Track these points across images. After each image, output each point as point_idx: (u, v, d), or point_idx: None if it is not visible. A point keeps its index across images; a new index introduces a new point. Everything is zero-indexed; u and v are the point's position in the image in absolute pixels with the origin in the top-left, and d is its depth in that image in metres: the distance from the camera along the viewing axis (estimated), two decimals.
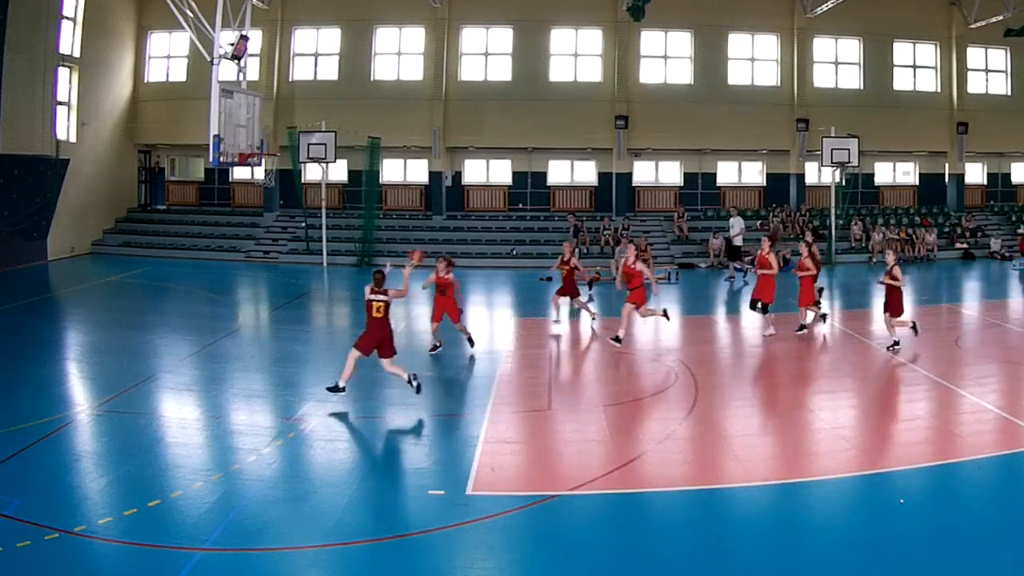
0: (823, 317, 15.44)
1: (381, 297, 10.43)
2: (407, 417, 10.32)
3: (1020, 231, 28.40)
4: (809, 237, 18.84)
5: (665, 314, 14.75)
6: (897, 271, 13.54)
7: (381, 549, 6.70)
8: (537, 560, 6.61)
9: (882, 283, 13.73)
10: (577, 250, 20.11)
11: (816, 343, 14.61)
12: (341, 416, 10.29)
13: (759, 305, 14.70)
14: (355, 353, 10.42)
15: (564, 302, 15.95)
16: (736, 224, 24.43)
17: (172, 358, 13.15)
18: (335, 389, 10.48)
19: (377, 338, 10.48)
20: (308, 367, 12.81)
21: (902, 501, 7.52)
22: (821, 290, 16.95)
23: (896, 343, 13.32)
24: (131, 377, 11.69)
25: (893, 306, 13.54)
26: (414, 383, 10.50)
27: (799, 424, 10.03)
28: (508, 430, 9.77)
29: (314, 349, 14.61)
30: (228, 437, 9.52)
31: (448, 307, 13.21)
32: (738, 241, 24.13)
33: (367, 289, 10.51)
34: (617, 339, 13.69)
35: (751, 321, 15.83)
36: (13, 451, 8.50)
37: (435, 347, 13.39)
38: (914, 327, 13.77)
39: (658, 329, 15.40)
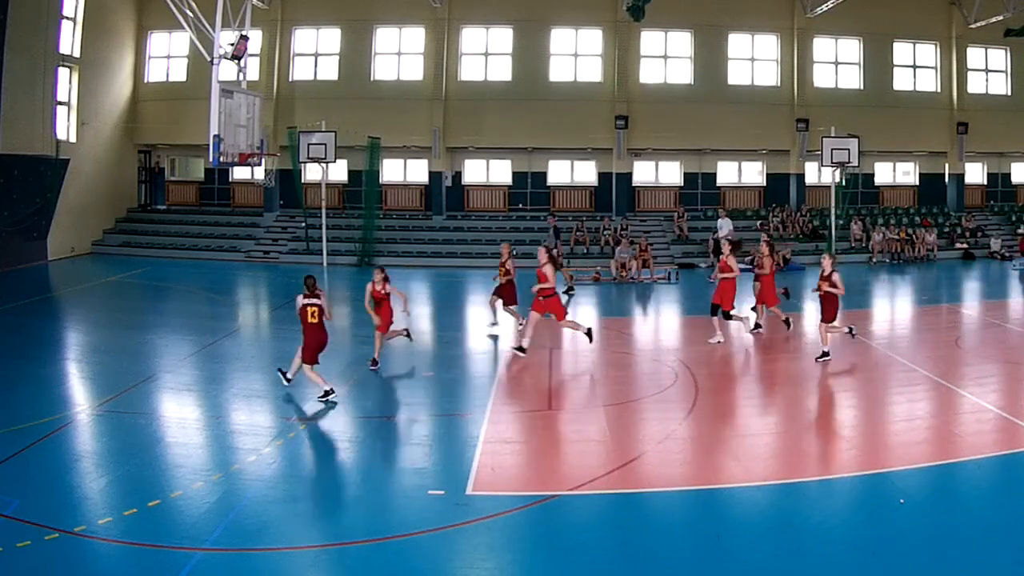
0: (757, 326, 14.98)
1: (315, 301, 10.56)
2: (407, 417, 10.33)
3: (1020, 231, 28.39)
4: (765, 236, 18.47)
5: (589, 334, 13.57)
6: (837, 277, 12.68)
7: (381, 549, 6.69)
8: (537, 560, 6.61)
9: (817, 291, 12.89)
10: (558, 251, 20.02)
11: (811, 343, 14.56)
12: (341, 416, 10.30)
13: (720, 311, 13.99)
14: (307, 367, 10.58)
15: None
16: (724, 225, 24.36)
17: (172, 358, 13.15)
18: (326, 395, 10.50)
19: (317, 344, 10.61)
20: None
21: (902, 501, 7.51)
22: (786, 292, 16.52)
23: (826, 354, 12.64)
24: (131, 377, 11.70)
25: (828, 312, 12.78)
26: (329, 397, 10.50)
27: (799, 424, 10.03)
28: (508, 430, 9.77)
29: None
30: (228, 437, 9.52)
31: (383, 317, 12.48)
32: None
33: (299, 297, 10.63)
34: (520, 349, 12.93)
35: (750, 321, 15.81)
36: (13, 451, 8.50)
37: (405, 332, 13.37)
38: (850, 331, 13.37)
39: (658, 329, 15.39)
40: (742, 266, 15.20)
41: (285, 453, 8.82)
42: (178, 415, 10.34)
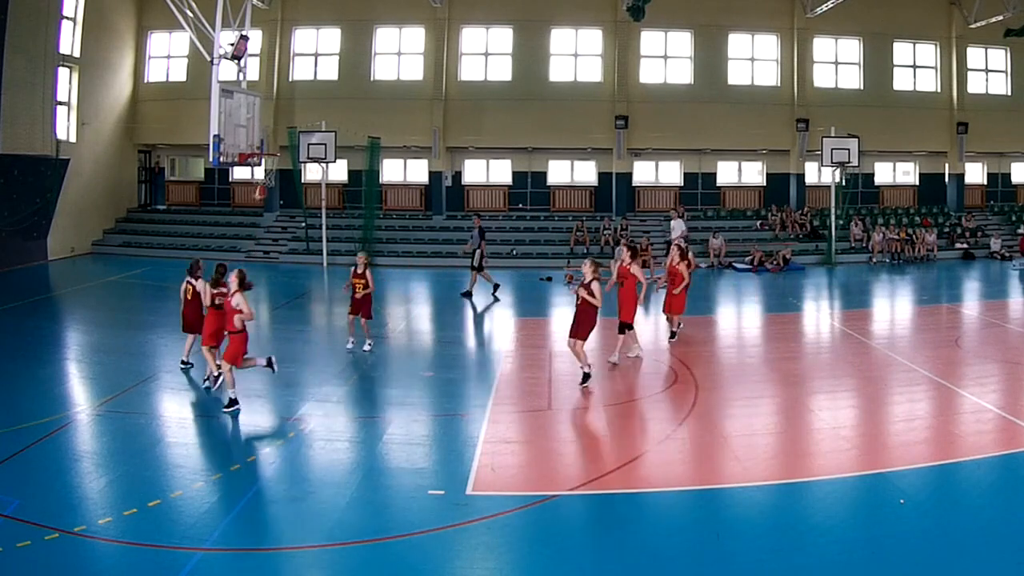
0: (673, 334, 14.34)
1: (223, 290, 11.18)
2: (407, 417, 10.32)
3: (1020, 231, 28.41)
4: (680, 244, 17.60)
5: (269, 364, 10.89)
6: (596, 287, 11.11)
7: (381, 549, 6.69)
8: (537, 560, 6.61)
9: (575, 292, 11.21)
10: (483, 254, 19.73)
11: (811, 343, 14.60)
12: (341, 416, 10.30)
13: (621, 324, 12.50)
14: (189, 336, 12.06)
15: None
16: (677, 227, 23.79)
17: (172, 358, 13.14)
18: (184, 364, 11.97)
19: (190, 318, 11.88)
20: (308, 367, 12.81)
21: (902, 501, 7.51)
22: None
23: (587, 375, 11.35)
24: (131, 377, 11.71)
25: (581, 327, 11.25)
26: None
27: (799, 424, 10.02)
28: (508, 430, 9.76)
29: (314, 349, 14.61)
30: (228, 437, 9.52)
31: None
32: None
33: (208, 289, 11.59)
34: (230, 402, 10.17)
35: (750, 321, 15.83)
36: (13, 451, 8.50)
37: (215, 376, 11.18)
38: (586, 377, 11.30)
39: (658, 329, 15.38)
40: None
41: (285, 453, 8.82)
42: (178, 415, 10.35)
